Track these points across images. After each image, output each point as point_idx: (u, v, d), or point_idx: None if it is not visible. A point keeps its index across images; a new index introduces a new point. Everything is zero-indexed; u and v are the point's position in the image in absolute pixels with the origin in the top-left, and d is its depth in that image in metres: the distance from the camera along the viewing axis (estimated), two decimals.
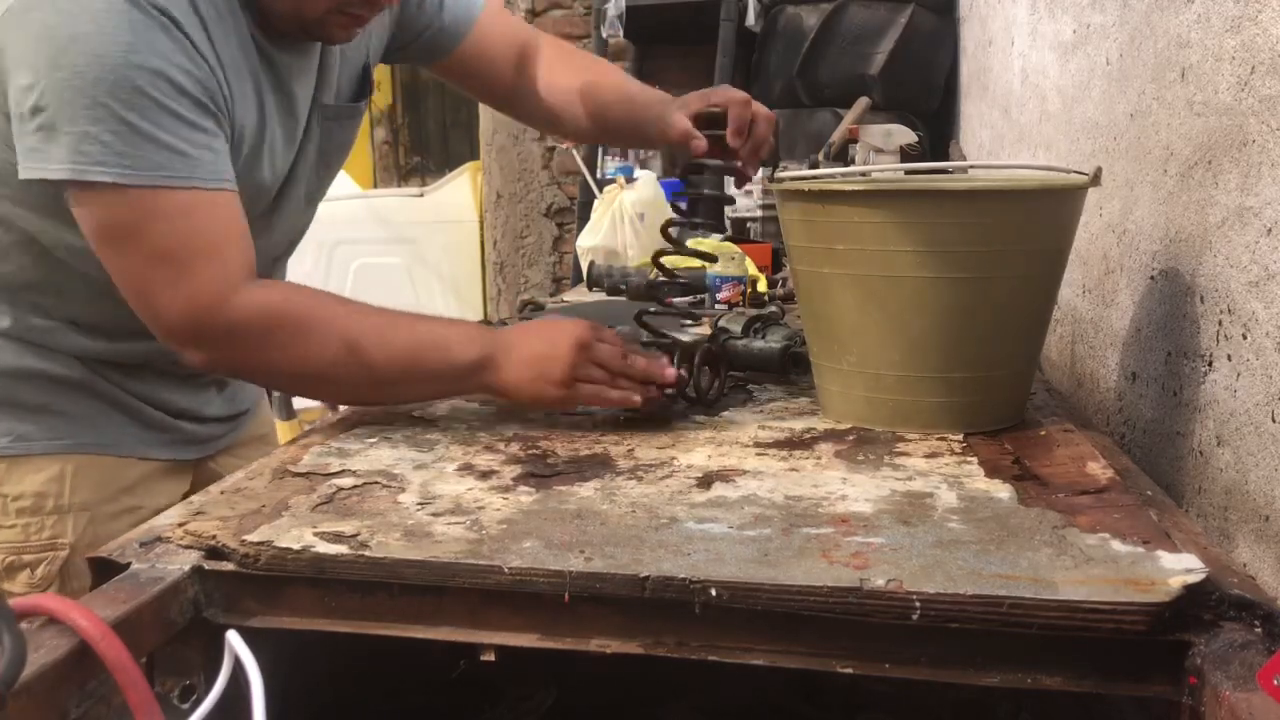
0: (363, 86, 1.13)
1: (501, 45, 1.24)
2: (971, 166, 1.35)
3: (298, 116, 1.02)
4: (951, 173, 1.40)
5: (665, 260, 1.14)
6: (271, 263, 1.10)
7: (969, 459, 0.82)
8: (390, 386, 0.95)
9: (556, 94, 1.26)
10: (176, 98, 0.84)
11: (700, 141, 1.08)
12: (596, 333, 0.95)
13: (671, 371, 0.95)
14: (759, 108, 1.10)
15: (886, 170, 1.15)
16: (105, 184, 0.82)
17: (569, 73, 1.27)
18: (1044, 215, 0.87)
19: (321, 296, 0.94)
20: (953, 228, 0.84)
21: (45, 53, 0.80)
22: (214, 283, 0.87)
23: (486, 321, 1.09)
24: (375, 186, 5.66)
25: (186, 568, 0.64)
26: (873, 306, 0.88)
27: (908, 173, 1.17)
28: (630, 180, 2.29)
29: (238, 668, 0.59)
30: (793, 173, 1.00)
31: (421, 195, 4.09)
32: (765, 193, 2.39)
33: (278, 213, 1.05)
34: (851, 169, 1.37)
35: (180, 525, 0.69)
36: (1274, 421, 0.74)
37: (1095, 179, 0.86)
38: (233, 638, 0.60)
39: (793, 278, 1.01)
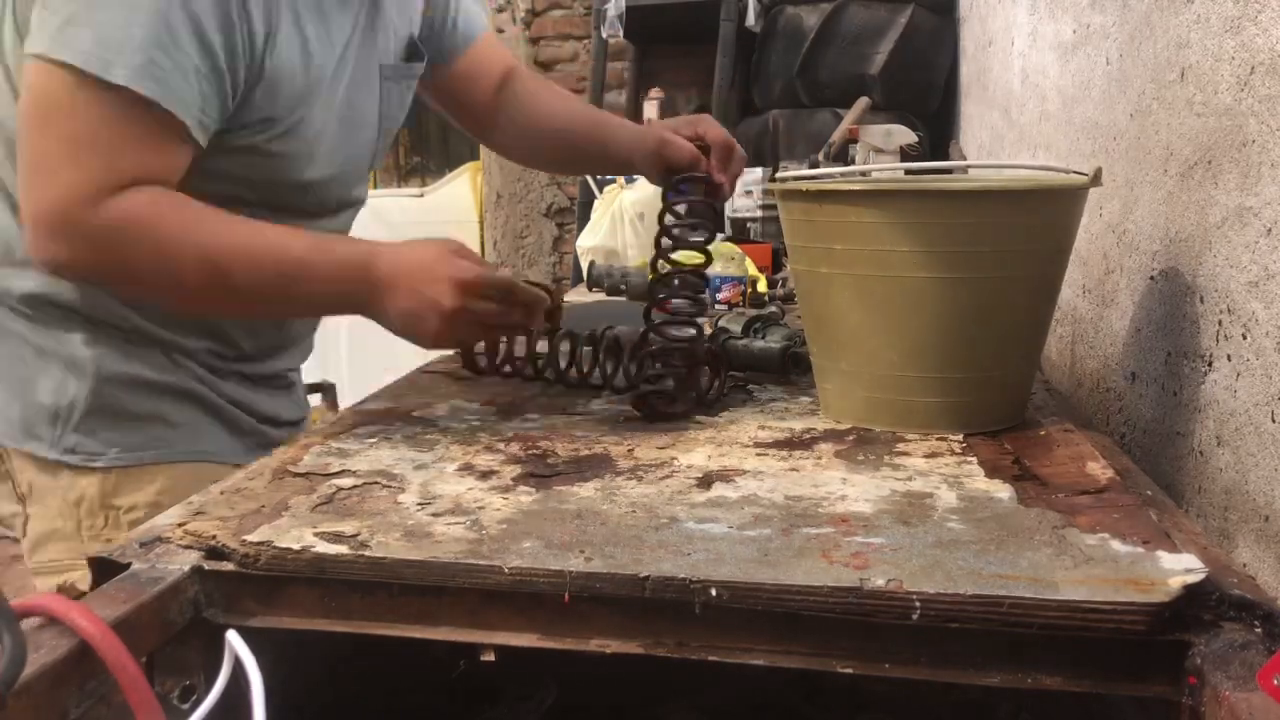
0: (412, 53, 1.14)
1: (489, 67, 1.27)
2: (971, 166, 1.35)
3: (344, 59, 1.02)
4: (952, 172, 1.40)
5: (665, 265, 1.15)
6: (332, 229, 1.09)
7: (969, 459, 0.82)
8: (258, 306, 0.96)
9: (537, 121, 1.28)
10: (184, 21, 0.84)
11: (702, 160, 1.12)
12: (476, 284, 0.89)
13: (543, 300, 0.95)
14: (737, 146, 1.15)
15: (886, 170, 1.15)
16: (67, 64, 0.82)
17: (550, 100, 1.30)
18: (1043, 215, 0.87)
19: (194, 208, 0.90)
20: (951, 228, 0.84)
21: None
22: (105, 175, 0.85)
23: None
24: (375, 186, 5.66)
25: (186, 568, 0.64)
26: (871, 307, 0.88)
27: (908, 173, 1.17)
28: (630, 180, 2.30)
29: (238, 668, 0.59)
30: (793, 173, 1.00)
31: (421, 195, 4.09)
32: (765, 193, 2.39)
33: (315, 165, 1.02)
34: (851, 168, 1.37)
35: (180, 525, 0.69)
36: (1274, 421, 0.74)
37: (1095, 179, 0.86)
38: (233, 638, 0.60)
39: (793, 278, 1.01)
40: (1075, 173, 0.90)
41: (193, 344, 1.04)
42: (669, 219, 1.10)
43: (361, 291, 0.90)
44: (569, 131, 1.28)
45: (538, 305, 0.95)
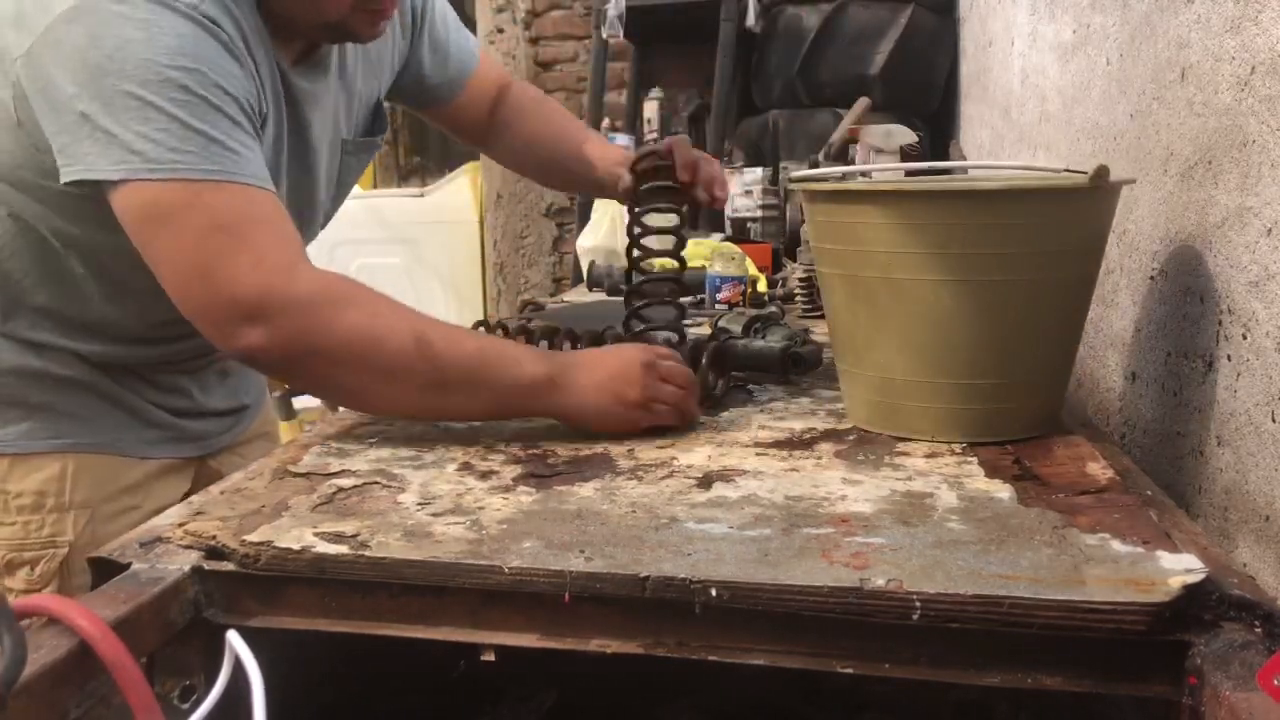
0: (376, 122, 1.15)
1: (485, 90, 1.29)
2: (972, 166, 1.35)
3: (311, 145, 1.03)
4: (954, 173, 1.40)
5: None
6: None
7: (969, 459, 0.82)
8: (452, 393, 0.88)
9: (526, 139, 1.31)
10: (224, 99, 0.83)
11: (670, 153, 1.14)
12: (658, 352, 0.94)
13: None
14: (705, 156, 1.16)
15: (887, 170, 1.14)
16: (157, 180, 0.80)
17: (537, 119, 1.33)
18: (1056, 216, 0.83)
19: (374, 290, 0.90)
20: (960, 229, 0.82)
21: (92, 62, 0.80)
22: (281, 250, 0.84)
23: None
24: (375, 186, 5.66)
25: (186, 568, 0.64)
26: (882, 309, 0.87)
27: (909, 173, 1.17)
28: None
29: (238, 668, 0.59)
30: (803, 171, 0.99)
31: (421, 195, 4.09)
32: (765, 193, 2.39)
33: None
34: (852, 169, 1.37)
35: (180, 525, 0.69)
36: (1274, 421, 0.74)
37: (1097, 177, 0.81)
38: (233, 638, 0.60)
39: (818, 278, 1.00)
40: (1076, 172, 0.86)
41: (98, 348, 1.03)
42: (637, 229, 1.11)
43: (559, 375, 0.89)
44: (555, 150, 1.31)
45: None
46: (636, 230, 1.12)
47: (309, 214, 1.08)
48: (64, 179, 0.83)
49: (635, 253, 1.12)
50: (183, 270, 0.84)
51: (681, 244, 1.14)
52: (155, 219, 0.83)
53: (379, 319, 0.86)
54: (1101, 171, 0.80)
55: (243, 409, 1.21)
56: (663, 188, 1.13)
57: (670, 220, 1.12)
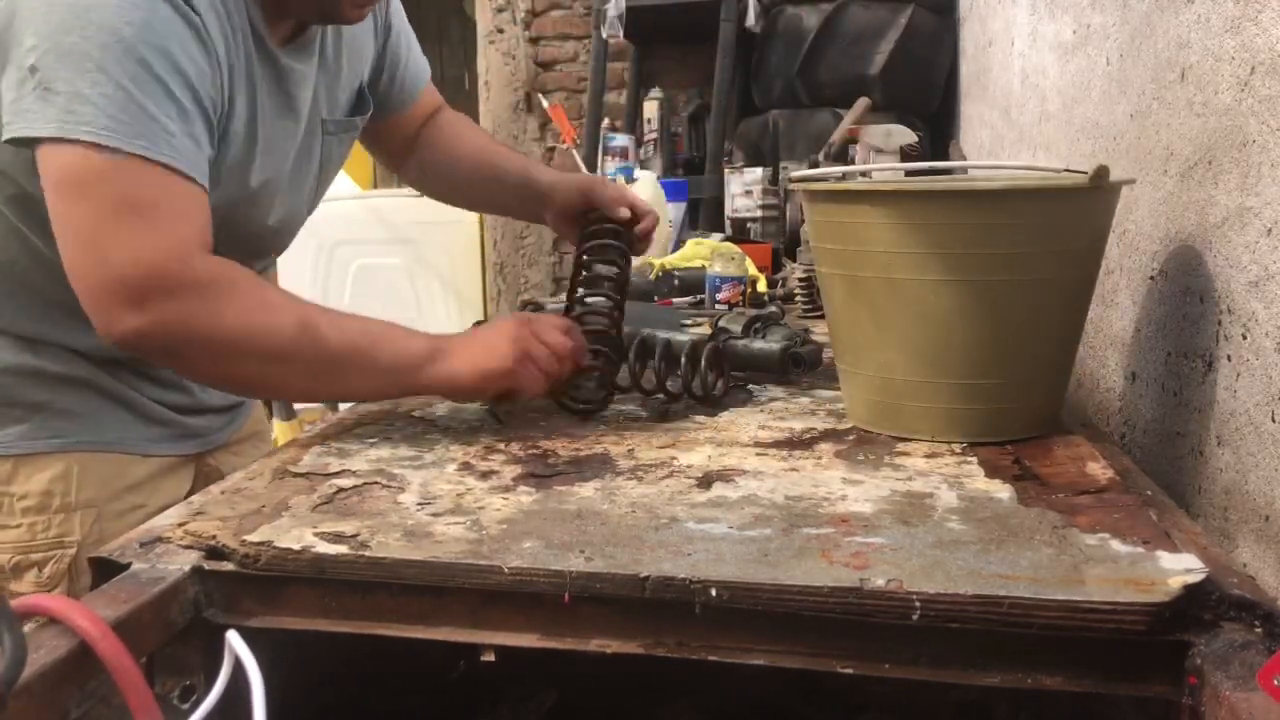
0: (359, 104, 1.15)
1: (421, 112, 1.29)
2: (972, 166, 1.35)
3: (298, 119, 1.03)
4: (954, 173, 1.40)
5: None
6: (258, 270, 1.11)
7: (969, 459, 0.82)
8: (340, 374, 0.90)
9: (458, 153, 1.31)
10: (178, 83, 0.83)
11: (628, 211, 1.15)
12: (536, 319, 0.98)
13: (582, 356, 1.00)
14: (645, 207, 1.18)
15: (886, 170, 1.14)
16: (84, 141, 0.79)
17: (473, 136, 1.33)
18: (1056, 216, 0.83)
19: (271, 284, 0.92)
20: (959, 229, 0.82)
21: (57, 17, 0.79)
22: (179, 238, 0.83)
23: None
24: (375, 186, 5.65)
25: (187, 568, 0.64)
26: (881, 309, 0.87)
27: (908, 173, 1.17)
28: (630, 180, 2.29)
29: (238, 668, 0.59)
30: (802, 171, 0.99)
31: (421, 195, 4.08)
32: (764, 193, 2.39)
33: (271, 214, 1.05)
34: (855, 168, 1.37)
35: (180, 525, 0.69)
36: (1274, 421, 0.74)
37: (1097, 177, 0.81)
38: (233, 638, 0.60)
39: (818, 278, 1.00)
40: (1075, 172, 0.86)
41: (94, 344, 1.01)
42: (587, 256, 1.12)
43: (440, 345, 0.93)
44: (491, 163, 1.30)
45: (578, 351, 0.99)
46: (581, 286, 1.12)
47: (295, 198, 1.08)
48: (4, 136, 0.82)
49: (578, 298, 1.12)
50: (82, 241, 0.83)
51: (623, 300, 1.13)
52: (70, 183, 0.82)
53: (264, 306, 0.87)
54: (1101, 172, 0.80)
55: (239, 405, 1.21)
56: (611, 245, 1.13)
57: (613, 270, 1.12)
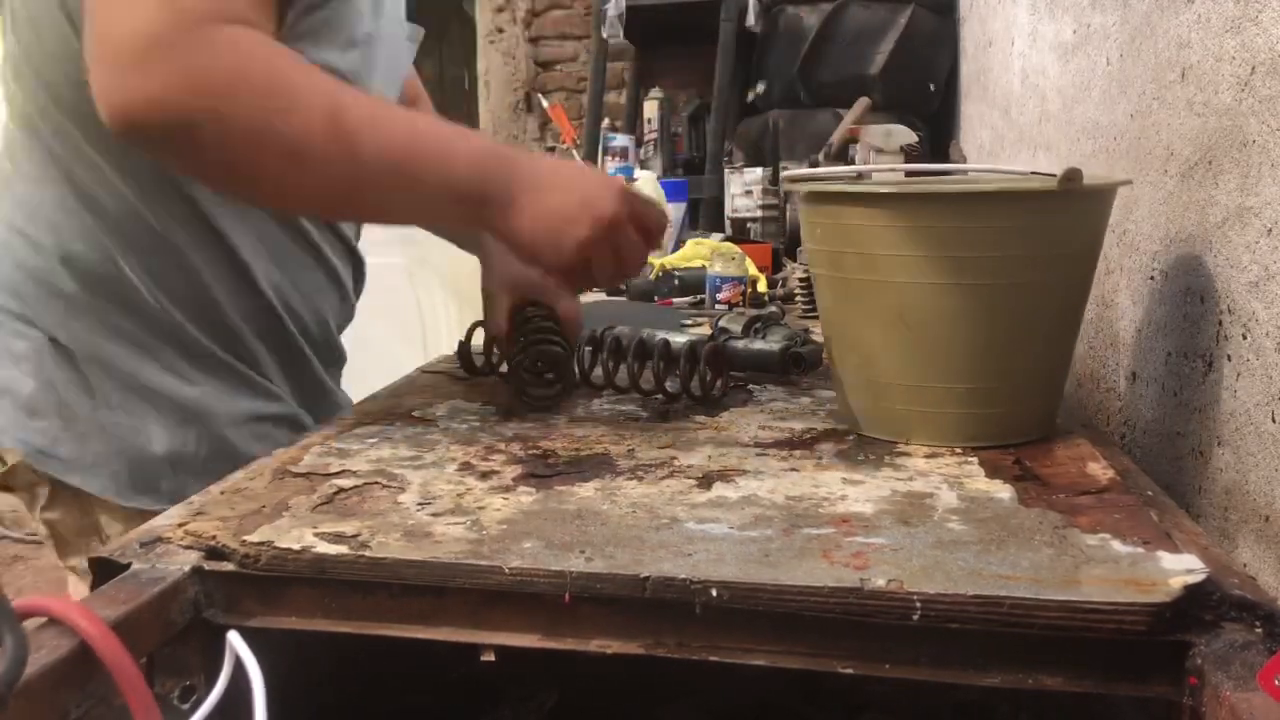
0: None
1: (408, 90, 1.21)
2: (957, 169, 1.34)
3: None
4: (952, 174, 1.40)
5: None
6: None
7: (969, 459, 0.82)
8: (370, 189, 0.76)
9: None
10: None
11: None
12: (630, 207, 0.80)
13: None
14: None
15: (884, 170, 1.14)
16: None
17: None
18: (1045, 220, 0.82)
19: (316, 68, 0.76)
20: (947, 232, 0.81)
21: None
22: (197, 5, 0.72)
23: None
24: None
25: (187, 568, 0.64)
26: (870, 312, 0.87)
27: (908, 174, 1.17)
28: (630, 180, 2.29)
29: (238, 668, 0.59)
30: (794, 171, 0.99)
31: None
32: (765, 193, 2.39)
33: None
34: (848, 169, 1.37)
35: (180, 525, 0.69)
36: (1274, 421, 0.74)
37: (1067, 180, 0.78)
38: (233, 638, 0.60)
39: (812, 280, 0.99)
40: (1044, 174, 0.83)
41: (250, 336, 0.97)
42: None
43: (503, 179, 0.76)
44: None
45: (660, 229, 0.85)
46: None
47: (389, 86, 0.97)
48: None
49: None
50: (90, 23, 0.72)
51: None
52: None
53: (292, 89, 0.73)
54: (1072, 174, 0.78)
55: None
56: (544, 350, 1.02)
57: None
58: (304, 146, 0.73)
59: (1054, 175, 0.79)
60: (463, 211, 0.78)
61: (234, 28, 0.74)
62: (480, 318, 1.10)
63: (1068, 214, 0.83)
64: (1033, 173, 0.87)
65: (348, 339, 1.21)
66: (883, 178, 1.08)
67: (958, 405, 0.85)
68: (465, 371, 1.14)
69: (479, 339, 1.12)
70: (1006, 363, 0.85)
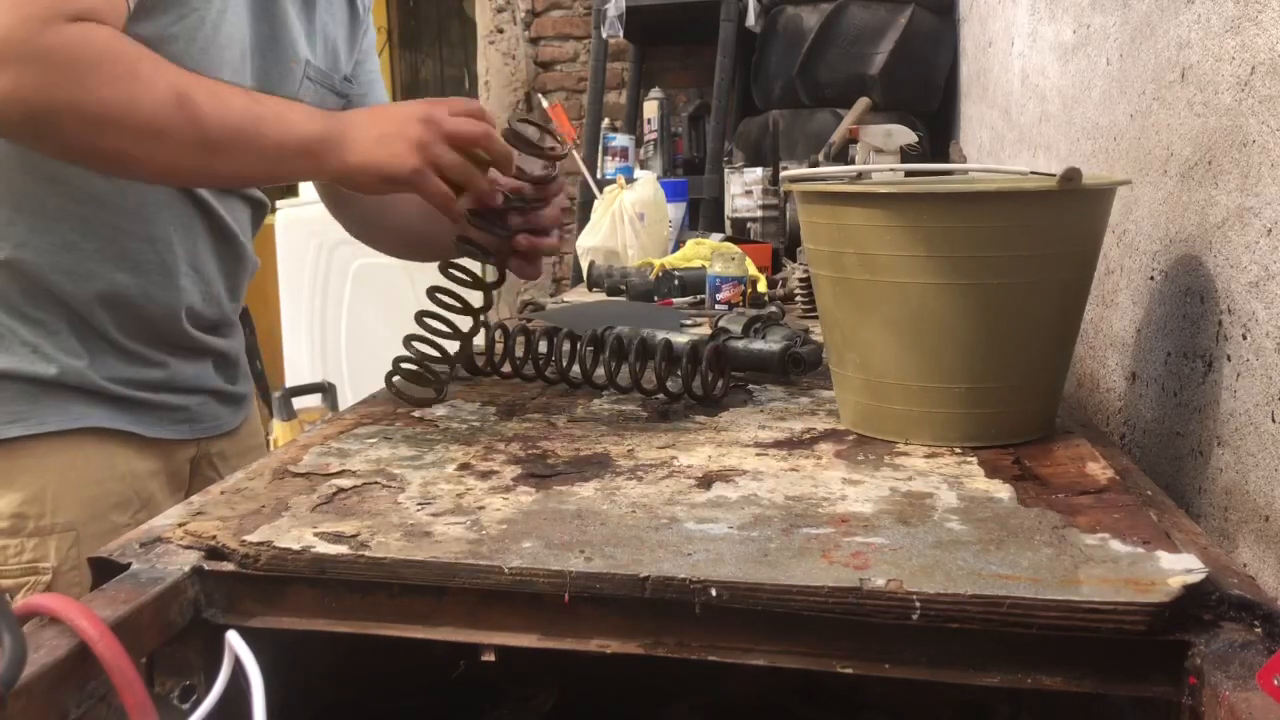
0: (334, 64, 1.14)
1: None
2: (957, 169, 1.34)
3: (279, 45, 1.02)
4: (952, 174, 1.39)
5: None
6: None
7: (969, 459, 0.82)
8: (221, 154, 0.86)
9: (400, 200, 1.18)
10: None
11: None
12: (446, 104, 0.90)
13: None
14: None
15: (883, 170, 1.14)
16: None
17: None
18: (1044, 219, 0.82)
19: (153, 53, 0.85)
20: (946, 232, 0.81)
21: None
22: (48, 5, 0.79)
23: None
24: None
25: (186, 568, 0.64)
26: (870, 312, 0.87)
27: (908, 174, 1.17)
28: (630, 180, 2.30)
29: (238, 668, 0.59)
30: (794, 171, 0.99)
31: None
32: (765, 193, 2.39)
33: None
34: (848, 168, 1.37)
35: (180, 525, 0.69)
36: (1274, 422, 0.74)
37: (1066, 180, 0.78)
38: (233, 638, 0.60)
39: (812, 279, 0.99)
40: (1044, 174, 0.84)
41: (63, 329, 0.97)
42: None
43: (334, 126, 0.88)
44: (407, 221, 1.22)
45: (505, 162, 0.92)
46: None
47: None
48: None
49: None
50: None
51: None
52: None
53: (133, 76, 0.82)
54: (1072, 174, 0.78)
55: (228, 390, 1.17)
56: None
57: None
58: (158, 125, 0.82)
59: (1053, 175, 0.80)
60: (307, 162, 0.89)
61: (83, 24, 0.81)
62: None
63: (1067, 214, 0.83)
64: (1032, 172, 0.87)
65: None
66: (882, 177, 1.08)
67: (958, 405, 0.85)
68: (465, 371, 1.14)
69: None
70: (1007, 362, 0.85)
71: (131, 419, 1.03)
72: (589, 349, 1.07)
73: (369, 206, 1.24)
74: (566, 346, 1.10)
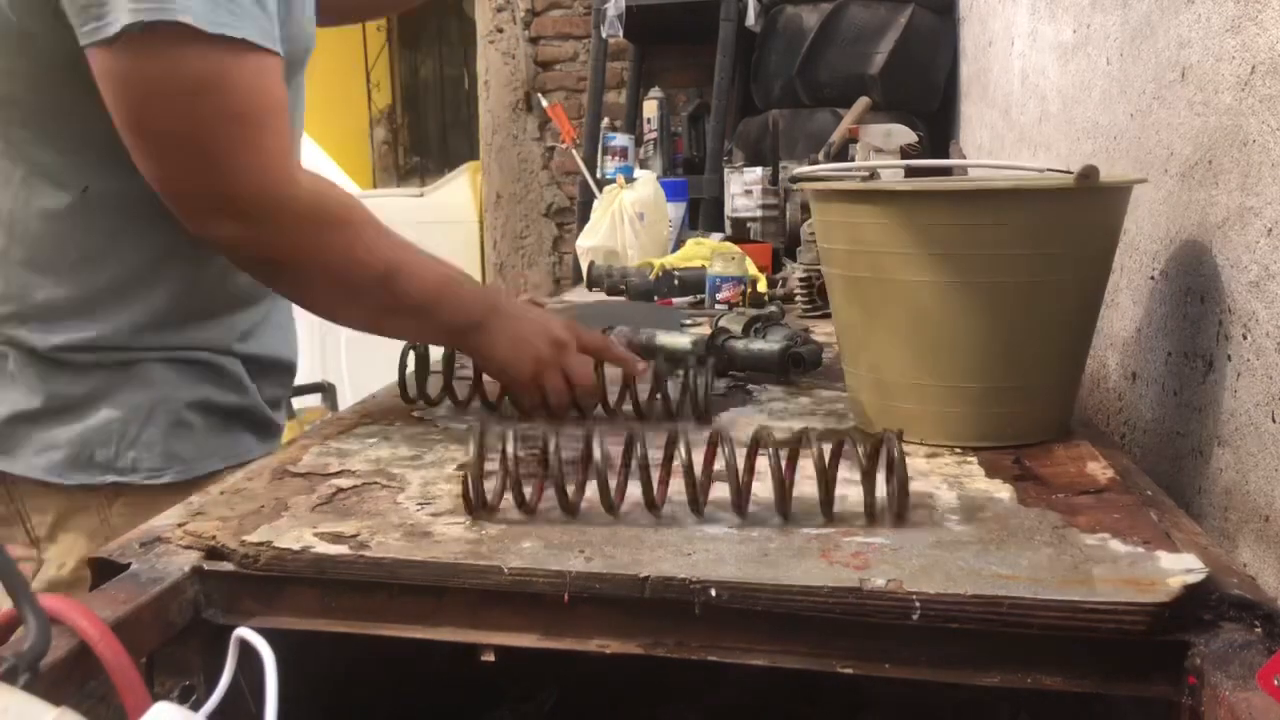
0: None
1: None
2: (974, 165, 1.34)
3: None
4: (954, 171, 1.40)
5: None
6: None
7: (969, 459, 0.82)
8: (401, 319, 0.94)
9: None
10: None
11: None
12: (577, 331, 0.97)
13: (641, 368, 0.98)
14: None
15: (894, 166, 1.14)
16: (183, 27, 0.74)
17: None
18: (1059, 218, 0.81)
19: (375, 219, 0.90)
20: (960, 230, 0.81)
21: None
22: (283, 149, 0.82)
23: None
24: (375, 187, 5.65)
25: (186, 568, 0.64)
26: (883, 311, 0.86)
27: (909, 171, 1.17)
28: (630, 180, 2.29)
29: (242, 666, 0.58)
30: (806, 169, 0.99)
31: (421, 195, 4.09)
32: (764, 193, 2.39)
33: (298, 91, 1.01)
34: (860, 164, 1.37)
35: (180, 525, 0.69)
36: (1274, 422, 0.74)
37: (1084, 178, 0.78)
38: (246, 633, 0.59)
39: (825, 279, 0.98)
40: (1058, 172, 0.84)
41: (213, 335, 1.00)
42: None
43: (488, 315, 0.94)
44: None
45: (628, 367, 0.98)
46: None
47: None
48: (84, 42, 0.76)
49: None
50: (184, 151, 0.80)
51: None
52: (170, 91, 0.77)
53: (358, 245, 0.88)
54: (1089, 172, 0.78)
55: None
56: None
57: None
58: (361, 291, 0.90)
59: (1069, 173, 0.79)
60: (454, 340, 0.98)
61: (306, 183, 0.85)
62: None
63: (1083, 212, 0.83)
64: (1048, 169, 0.87)
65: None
66: (890, 175, 1.08)
67: (971, 405, 0.85)
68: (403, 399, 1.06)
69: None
70: (1020, 363, 0.84)
71: (269, 442, 1.07)
72: None
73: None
74: None
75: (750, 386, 1.10)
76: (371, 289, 0.89)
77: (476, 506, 0.69)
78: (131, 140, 0.81)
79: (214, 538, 0.66)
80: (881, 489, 0.74)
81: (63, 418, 0.92)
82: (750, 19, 2.88)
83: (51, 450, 0.92)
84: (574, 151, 3.10)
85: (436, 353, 1.05)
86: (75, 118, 0.86)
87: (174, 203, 0.84)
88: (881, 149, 1.76)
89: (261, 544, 0.64)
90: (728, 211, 2.51)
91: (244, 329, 1.02)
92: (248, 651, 0.56)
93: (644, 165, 3.02)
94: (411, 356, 1.04)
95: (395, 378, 1.05)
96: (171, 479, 0.94)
